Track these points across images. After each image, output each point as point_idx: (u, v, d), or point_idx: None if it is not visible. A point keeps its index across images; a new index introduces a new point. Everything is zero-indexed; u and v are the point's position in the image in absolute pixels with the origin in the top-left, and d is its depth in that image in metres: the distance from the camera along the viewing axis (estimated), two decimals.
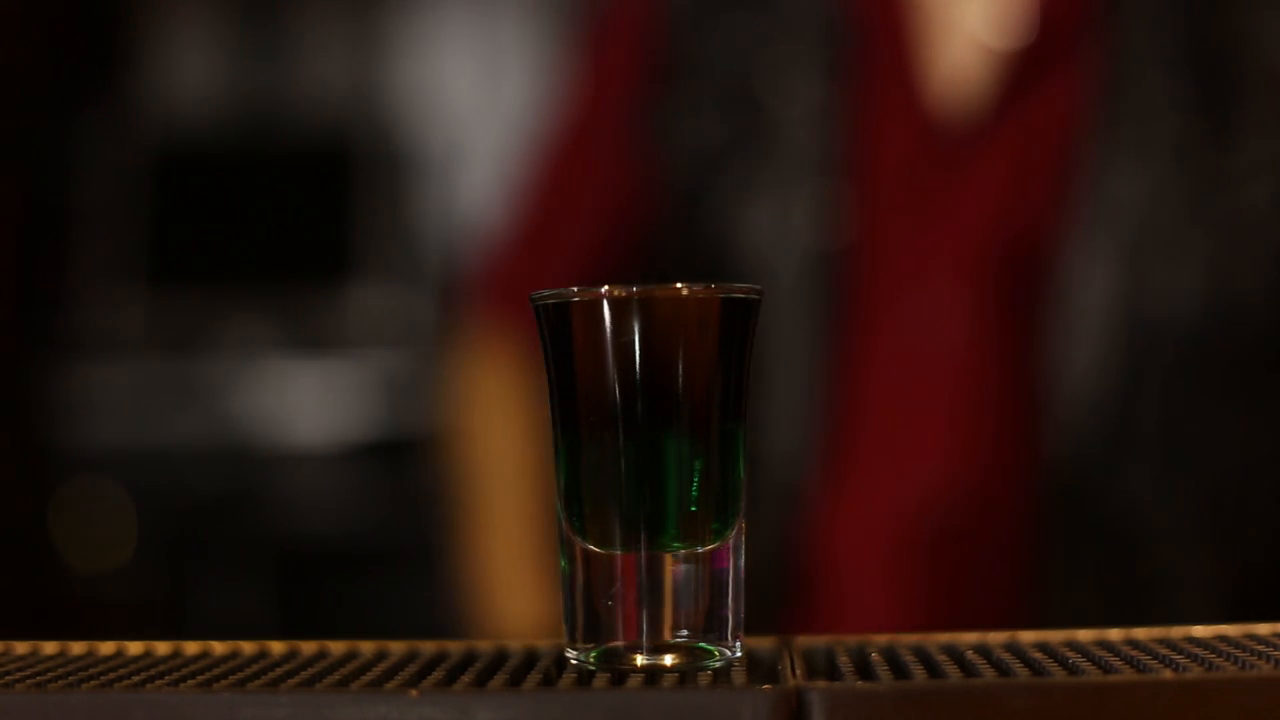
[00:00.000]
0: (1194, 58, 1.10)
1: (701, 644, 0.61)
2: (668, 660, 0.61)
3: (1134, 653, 0.62)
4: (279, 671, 0.62)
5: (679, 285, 0.61)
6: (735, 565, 0.62)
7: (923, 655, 0.64)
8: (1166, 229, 1.08)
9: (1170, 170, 1.09)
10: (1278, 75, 1.10)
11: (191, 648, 0.68)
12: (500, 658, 0.66)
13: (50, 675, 0.61)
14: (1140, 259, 1.08)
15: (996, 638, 0.67)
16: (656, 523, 0.61)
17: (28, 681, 0.60)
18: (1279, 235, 1.09)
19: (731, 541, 0.62)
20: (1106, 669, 0.59)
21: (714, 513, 0.62)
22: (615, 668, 0.61)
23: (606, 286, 0.61)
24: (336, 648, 0.68)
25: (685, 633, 0.61)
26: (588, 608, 0.62)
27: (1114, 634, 0.67)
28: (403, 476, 2.16)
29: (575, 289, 0.61)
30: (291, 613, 2.16)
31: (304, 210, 2.34)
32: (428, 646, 0.68)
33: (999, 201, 1.12)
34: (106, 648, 0.68)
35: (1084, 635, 0.67)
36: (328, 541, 2.19)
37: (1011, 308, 1.11)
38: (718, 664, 0.61)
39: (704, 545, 0.61)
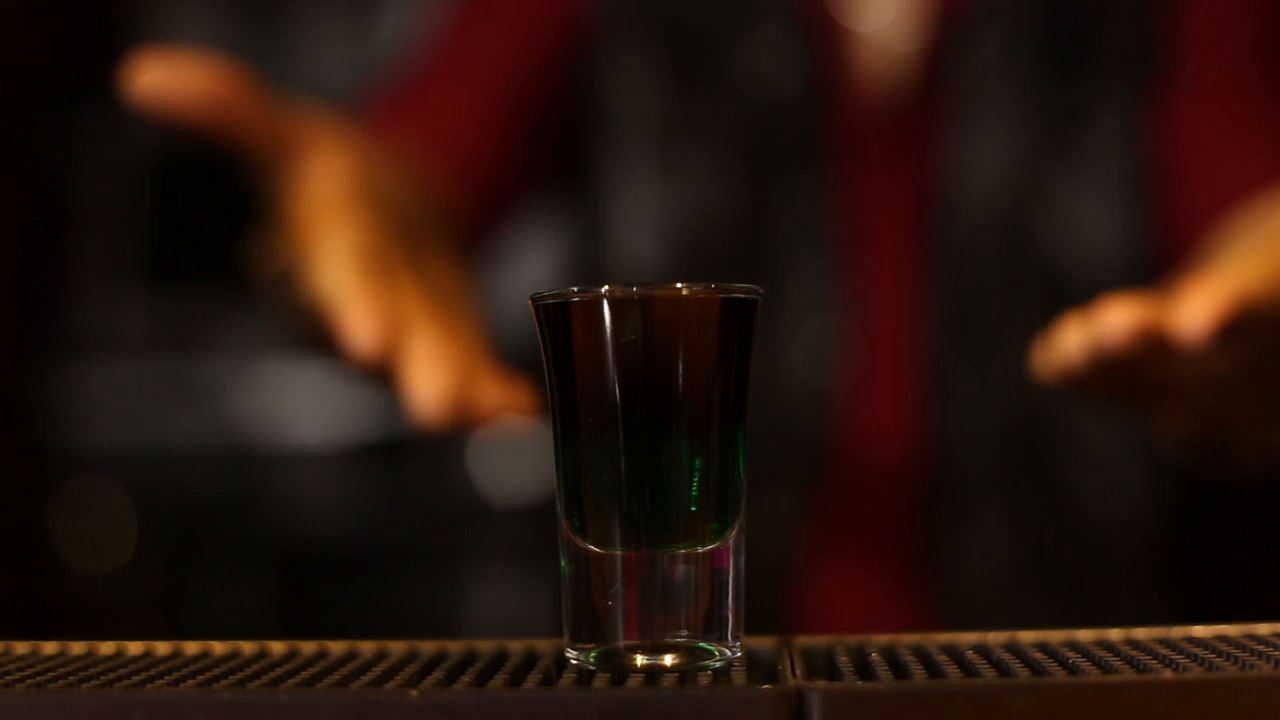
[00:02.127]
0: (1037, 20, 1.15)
1: (701, 644, 0.61)
2: (668, 660, 0.61)
3: (1134, 653, 0.62)
4: (279, 671, 0.62)
5: (679, 285, 0.61)
6: (735, 565, 0.62)
7: (923, 655, 0.64)
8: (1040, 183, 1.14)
9: (1033, 135, 1.14)
10: (1114, 27, 1.16)
11: (191, 648, 0.68)
12: (500, 658, 0.66)
13: (50, 675, 0.61)
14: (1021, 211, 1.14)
15: (996, 638, 0.67)
16: (656, 523, 0.61)
17: (28, 681, 0.60)
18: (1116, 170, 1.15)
19: (731, 541, 0.62)
20: (1106, 669, 0.59)
21: (714, 513, 0.62)
22: (615, 668, 0.61)
23: (607, 286, 0.61)
24: (336, 648, 0.68)
25: (685, 633, 0.61)
26: (588, 608, 0.62)
27: (1114, 634, 0.67)
28: (402, 476, 2.16)
29: (575, 289, 0.61)
30: (291, 613, 2.16)
31: None
32: (428, 646, 0.68)
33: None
34: (106, 648, 0.68)
35: (1084, 635, 0.67)
36: (328, 541, 2.19)
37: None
38: (718, 664, 0.61)
39: (704, 545, 0.61)
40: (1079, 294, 1.13)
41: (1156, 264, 1.16)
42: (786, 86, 1.15)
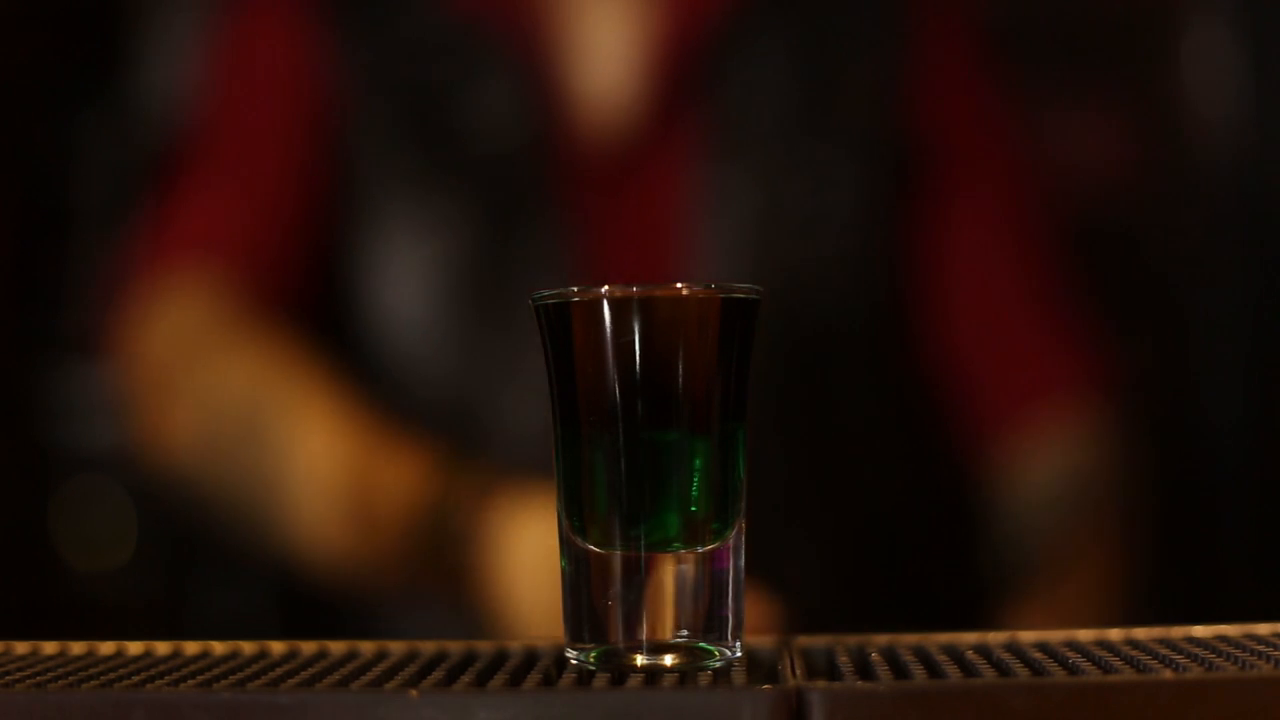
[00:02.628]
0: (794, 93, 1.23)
1: (701, 644, 0.61)
2: (668, 660, 0.61)
3: (1134, 653, 0.62)
4: (279, 671, 0.62)
5: (679, 285, 0.61)
6: (735, 565, 0.62)
7: (923, 655, 0.64)
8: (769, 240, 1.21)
9: (771, 190, 1.21)
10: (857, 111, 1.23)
11: (191, 648, 0.68)
12: (500, 658, 0.66)
13: (50, 675, 0.61)
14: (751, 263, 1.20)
15: (996, 638, 0.67)
16: (656, 523, 0.61)
17: (28, 681, 0.60)
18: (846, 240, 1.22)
19: (731, 541, 0.62)
20: (1106, 669, 0.59)
21: (714, 513, 0.62)
22: (615, 668, 0.61)
23: (606, 287, 0.61)
24: (336, 648, 0.68)
25: (685, 633, 0.61)
26: (588, 608, 0.62)
27: (1114, 634, 0.67)
28: None
29: (575, 289, 0.61)
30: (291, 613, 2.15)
31: None
32: (428, 646, 0.68)
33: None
34: (106, 648, 0.68)
35: (1084, 635, 0.67)
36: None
37: None
38: (718, 664, 0.61)
39: (704, 545, 0.61)
40: (819, 356, 1.22)
41: (897, 335, 1.24)
42: (516, 138, 1.21)
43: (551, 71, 1.22)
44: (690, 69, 1.22)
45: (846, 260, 1.21)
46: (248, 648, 0.68)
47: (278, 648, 0.68)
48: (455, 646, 0.68)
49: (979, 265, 1.24)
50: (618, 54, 1.22)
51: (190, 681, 0.60)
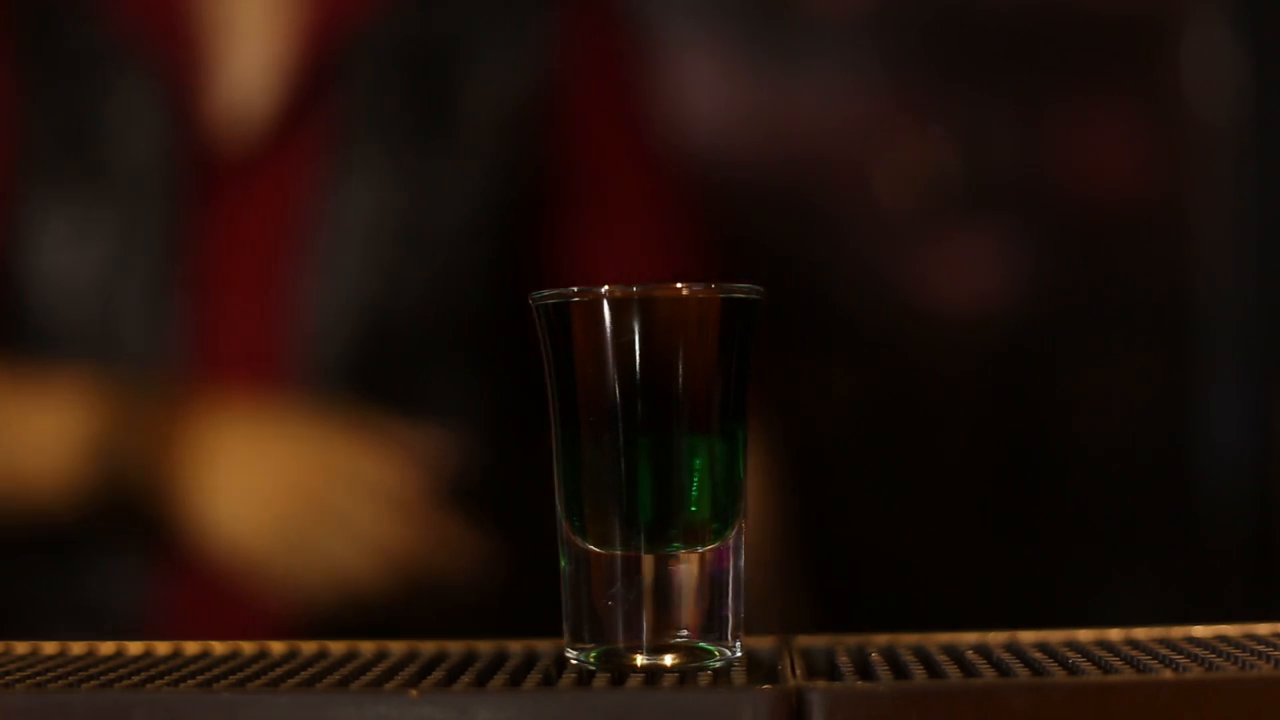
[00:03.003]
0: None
1: (701, 644, 0.61)
2: (668, 660, 0.61)
3: (1134, 653, 0.62)
4: (279, 671, 0.62)
5: (679, 285, 0.61)
6: (735, 565, 0.62)
7: (923, 655, 0.64)
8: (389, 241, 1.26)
9: (391, 194, 1.26)
10: (484, 115, 1.28)
11: (191, 648, 0.68)
12: (500, 658, 0.66)
13: (50, 675, 0.61)
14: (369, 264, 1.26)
15: (996, 638, 0.67)
16: (656, 523, 0.61)
17: (28, 681, 0.60)
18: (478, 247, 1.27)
19: (731, 541, 0.62)
20: (1106, 669, 0.59)
21: (714, 513, 0.62)
22: (615, 668, 0.61)
23: (607, 287, 0.61)
24: (336, 648, 0.68)
25: (685, 633, 0.61)
26: (588, 608, 0.62)
27: (1114, 634, 0.67)
28: None
29: (575, 289, 0.61)
30: None
31: None
32: (427, 646, 0.68)
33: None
34: (106, 648, 0.68)
35: (1084, 635, 0.67)
36: None
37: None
38: (718, 664, 0.61)
39: (704, 545, 0.61)
40: (430, 363, 1.28)
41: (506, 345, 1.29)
42: (152, 147, 1.26)
43: (190, 81, 1.27)
44: (320, 78, 1.27)
45: (462, 273, 1.27)
46: (248, 648, 0.68)
47: (278, 648, 0.68)
48: (455, 646, 0.68)
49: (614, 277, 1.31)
50: (258, 63, 1.28)
51: (190, 681, 0.60)
